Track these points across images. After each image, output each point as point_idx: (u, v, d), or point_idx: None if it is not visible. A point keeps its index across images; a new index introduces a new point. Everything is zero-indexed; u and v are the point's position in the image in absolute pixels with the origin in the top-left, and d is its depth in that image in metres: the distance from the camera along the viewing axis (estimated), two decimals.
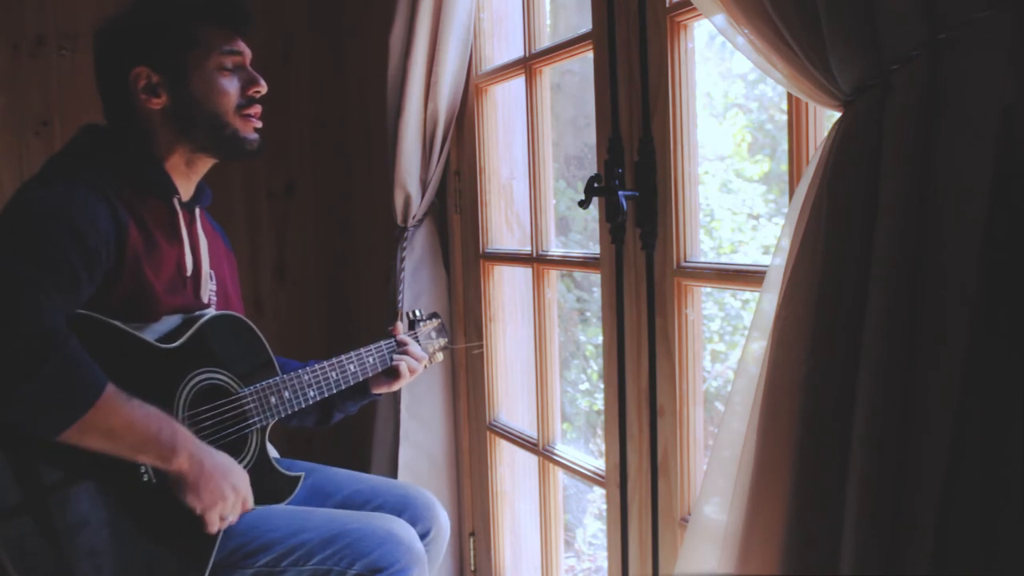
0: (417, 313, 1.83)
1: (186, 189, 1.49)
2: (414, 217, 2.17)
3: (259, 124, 1.49)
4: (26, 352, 1.15)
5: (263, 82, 1.49)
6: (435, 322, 1.87)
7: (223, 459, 1.35)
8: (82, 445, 1.21)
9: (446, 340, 1.90)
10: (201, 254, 1.50)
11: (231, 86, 1.45)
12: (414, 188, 2.14)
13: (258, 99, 1.48)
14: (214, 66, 1.44)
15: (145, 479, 1.30)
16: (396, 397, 2.18)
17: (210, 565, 1.35)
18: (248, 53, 1.49)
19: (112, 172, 1.38)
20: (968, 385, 0.77)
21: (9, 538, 1.18)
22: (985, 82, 0.77)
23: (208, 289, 1.51)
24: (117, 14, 1.47)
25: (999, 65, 0.77)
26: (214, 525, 1.33)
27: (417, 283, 2.19)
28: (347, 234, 2.88)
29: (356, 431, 2.61)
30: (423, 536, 1.61)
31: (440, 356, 1.88)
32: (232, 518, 1.36)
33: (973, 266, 0.77)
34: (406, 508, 1.62)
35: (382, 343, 1.69)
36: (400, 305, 2.16)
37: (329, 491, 1.64)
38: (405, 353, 1.70)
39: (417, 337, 1.78)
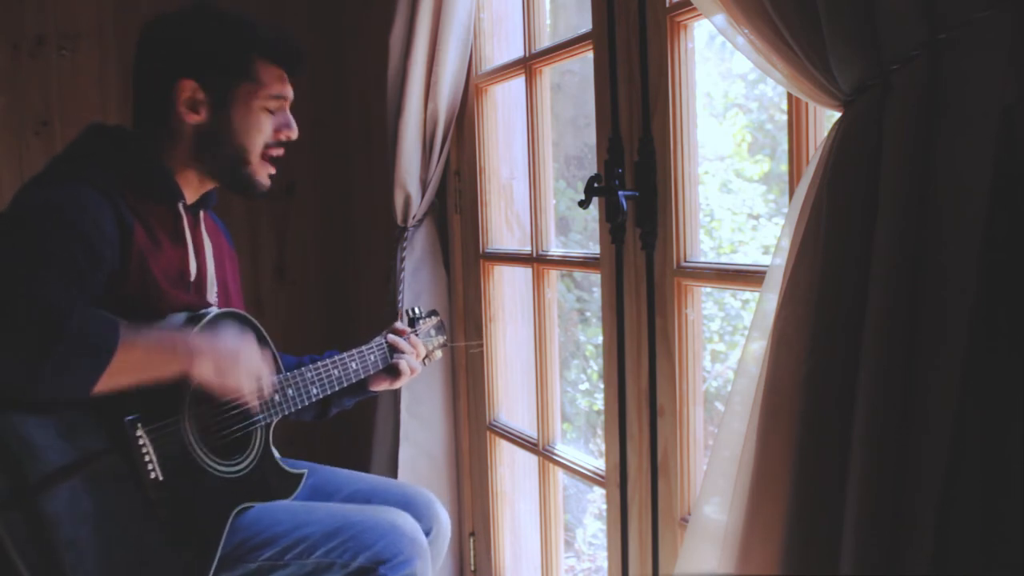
0: (416, 311, 1.84)
1: (193, 194, 1.50)
2: (414, 217, 2.17)
3: (273, 171, 1.51)
4: (37, 333, 1.16)
5: (295, 129, 1.50)
6: (434, 319, 1.87)
7: (234, 344, 1.37)
8: (113, 388, 1.23)
9: (445, 338, 1.90)
10: (205, 256, 1.50)
11: (267, 126, 1.47)
12: (414, 188, 2.14)
13: (284, 143, 1.50)
14: (260, 104, 1.45)
15: (152, 476, 1.30)
16: (396, 397, 2.18)
17: (216, 559, 1.35)
18: (291, 97, 1.51)
19: (117, 174, 1.38)
20: (968, 385, 0.77)
21: (12, 528, 1.18)
22: (985, 82, 0.77)
23: (212, 289, 1.51)
24: (176, 16, 1.46)
25: (999, 65, 0.77)
26: (252, 400, 1.38)
27: (417, 283, 2.20)
28: (347, 234, 2.88)
29: (356, 431, 2.61)
30: (425, 535, 1.61)
31: (439, 354, 1.88)
32: (265, 384, 1.40)
33: (973, 266, 0.77)
34: (407, 507, 1.63)
35: (383, 341, 1.69)
36: (400, 305, 2.16)
37: (330, 491, 1.64)
38: (403, 351, 1.70)
39: (417, 334, 1.78)
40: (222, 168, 1.47)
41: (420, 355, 1.74)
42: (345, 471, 1.72)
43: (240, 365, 1.36)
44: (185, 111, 1.43)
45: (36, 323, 1.17)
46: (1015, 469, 0.77)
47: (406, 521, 1.51)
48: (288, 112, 1.51)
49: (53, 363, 1.16)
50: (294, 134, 1.50)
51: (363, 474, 1.73)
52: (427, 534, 1.63)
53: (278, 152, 1.50)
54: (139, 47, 1.47)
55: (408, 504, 1.64)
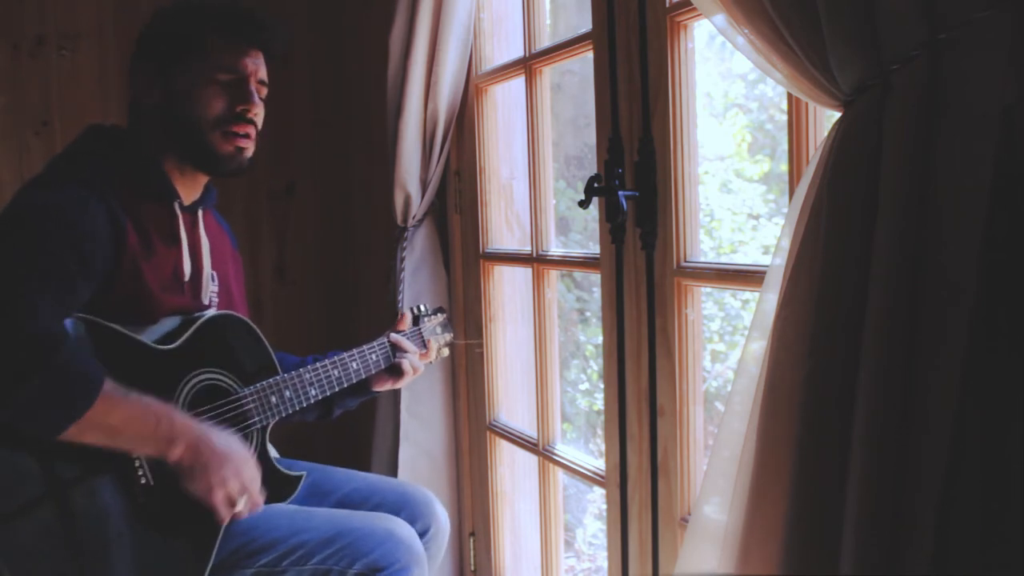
0: (422, 308, 1.82)
1: (188, 193, 1.49)
2: (414, 217, 2.17)
3: (244, 144, 1.47)
4: (23, 355, 1.14)
5: (257, 103, 1.47)
6: (440, 317, 1.86)
7: (225, 445, 1.32)
8: (81, 442, 1.21)
9: (452, 336, 1.90)
10: (202, 257, 1.50)
11: (216, 98, 1.44)
12: (414, 188, 2.14)
13: (248, 118, 1.46)
14: (206, 76, 1.44)
15: (143, 481, 1.30)
16: (396, 396, 2.18)
17: (210, 565, 1.35)
18: (255, 73, 1.48)
19: (113, 174, 1.38)
20: (968, 385, 0.77)
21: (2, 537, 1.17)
22: (985, 82, 0.77)
23: (209, 291, 1.50)
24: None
25: (999, 65, 0.77)
26: (221, 513, 1.31)
27: (417, 283, 2.19)
28: (347, 234, 2.88)
29: (356, 431, 2.61)
30: (422, 534, 1.61)
31: (446, 352, 1.88)
32: (241, 507, 1.33)
33: (973, 266, 0.77)
34: (404, 506, 1.62)
35: (385, 340, 1.68)
36: (400, 305, 2.16)
37: (327, 489, 1.64)
38: (404, 351, 1.70)
39: (422, 332, 1.77)
40: (182, 145, 1.45)
41: (424, 354, 1.74)
42: (343, 470, 1.71)
43: (229, 463, 1.31)
44: (143, 93, 1.45)
45: (24, 343, 1.15)
46: (1015, 469, 0.77)
47: (403, 529, 1.51)
48: (251, 89, 1.47)
49: (28, 390, 1.13)
50: (255, 109, 1.46)
51: (361, 473, 1.72)
52: (425, 532, 1.63)
53: (242, 129, 1.46)
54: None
55: (406, 503, 1.63)
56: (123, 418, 1.23)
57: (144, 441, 1.26)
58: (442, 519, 1.68)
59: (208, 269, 1.50)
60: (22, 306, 1.18)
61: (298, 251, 2.89)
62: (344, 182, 2.85)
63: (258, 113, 1.48)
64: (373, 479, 1.71)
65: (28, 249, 1.24)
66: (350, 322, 2.89)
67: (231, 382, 1.45)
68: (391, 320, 2.14)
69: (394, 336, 1.70)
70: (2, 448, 1.19)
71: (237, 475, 1.32)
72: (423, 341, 1.77)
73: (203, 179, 1.52)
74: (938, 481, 0.78)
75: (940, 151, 0.79)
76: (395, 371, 1.68)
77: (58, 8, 2.58)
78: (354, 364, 1.61)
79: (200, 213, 1.52)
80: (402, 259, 2.18)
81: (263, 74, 1.50)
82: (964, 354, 0.77)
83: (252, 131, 1.48)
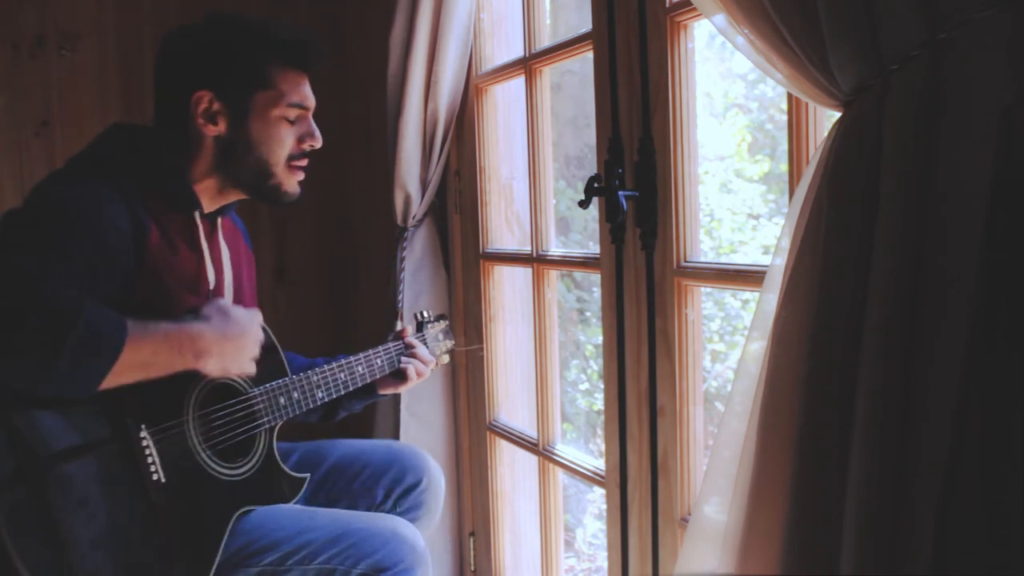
0: (425, 315, 1.84)
1: (213, 204, 1.49)
2: (414, 217, 2.17)
3: (302, 176, 1.49)
4: (48, 330, 1.16)
5: (319, 137, 1.48)
6: (443, 324, 1.87)
7: (237, 329, 1.37)
8: (119, 384, 1.23)
9: (453, 343, 1.91)
10: (223, 263, 1.50)
11: (289, 137, 1.44)
12: (414, 188, 2.14)
13: (308, 152, 1.48)
14: (279, 114, 1.43)
15: (155, 478, 1.30)
16: (396, 396, 2.18)
17: (216, 562, 1.35)
18: (313, 104, 1.48)
19: (135, 177, 1.38)
20: (968, 385, 0.77)
21: (13, 526, 1.17)
22: (985, 82, 0.77)
23: (228, 295, 1.51)
24: (192, 27, 1.45)
25: (999, 65, 0.77)
26: (248, 370, 1.40)
27: (417, 283, 2.20)
28: (347, 234, 2.88)
29: (356, 431, 2.61)
30: (415, 486, 1.64)
31: (447, 358, 1.89)
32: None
33: (973, 266, 0.77)
34: (395, 461, 1.64)
35: (390, 345, 1.70)
36: (400, 305, 2.16)
37: (317, 461, 1.66)
38: (413, 356, 1.71)
39: (425, 339, 1.78)
40: (246, 181, 1.45)
41: (429, 362, 1.75)
42: (331, 440, 1.73)
43: (239, 356, 1.38)
44: (203, 122, 1.41)
45: (47, 322, 1.16)
46: (1015, 469, 0.77)
47: (407, 529, 1.51)
48: (311, 120, 1.48)
49: (63, 362, 1.16)
50: (318, 143, 1.47)
51: (349, 440, 1.74)
52: (418, 484, 1.65)
53: (303, 162, 1.48)
54: (158, 59, 1.46)
55: (395, 459, 1.66)
56: (151, 352, 1.26)
57: (174, 365, 1.30)
58: (434, 470, 1.69)
59: (229, 277, 1.51)
60: (39, 288, 1.19)
61: (298, 251, 2.89)
62: (344, 182, 2.85)
63: (318, 145, 1.49)
64: (360, 443, 1.74)
65: (45, 244, 1.24)
66: (350, 322, 2.89)
67: (242, 382, 1.46)
68: (391, 320, 2.14)
69: (410, 340, 1.71)
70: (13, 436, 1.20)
71: (256, 340, 1.41)
72: (427, 348, 1.78)
73: (238, 196, 1.51)
74: (938, 481, 0.78)
75: (940, 151, 0.79)
76: (400, 376, 1.70)
77: (58, 8, 2.58)
78: (360, 368, 1.62)
79: (219, 220, 1.52)
80: (402, 259, 2.18)
81: (314, 102, 1.50)
82: (964, 354, 0.77)
83: (307, 161, 1.49)
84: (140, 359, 1.25)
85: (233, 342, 1.36)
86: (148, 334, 1.26)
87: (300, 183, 1.49)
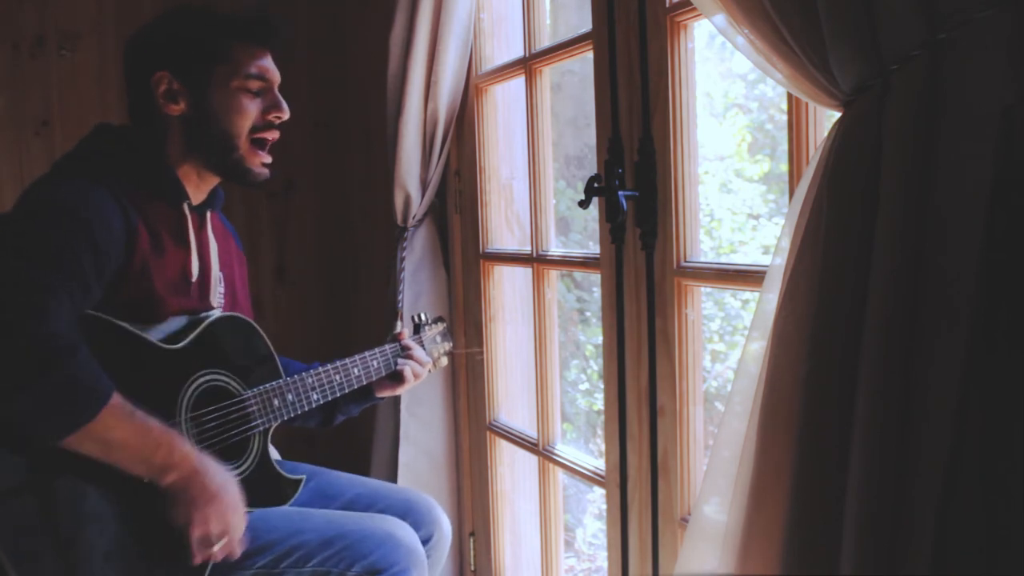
0: (423, 317, 1.83)
1: (197, 194, 1.49)
2: (414, 217, 2.17)
3: (268, 159, 1.49)
4: (32, 356, 1.13)
5: (286, 109, 1.48)
6: (440, 326, 1.87)
7: (218, 485, 1.29)
8: (79, 451, 1.19)
9: (451, 345, 1.91)
10: (210, 258, 1.49)
11: (251, 107, 1.45)
12: (414, 188, 2.14)
13: (276, 125, 1.48)
14: (237, 85, 1.44)
15: (147, 479, 1.30)
16: (396, 397, 2.18)
17: (210, 565, 1.35)
18: (276, 77, 1.49)
19: (123, 174, 1.38)
20: (968, 385, 0.77)
21: (4, 521, 1.17)
22: (985, 82, 0.77)
23: (217, 292, 1.50)
24: (152, 20, 1.47)
25: (999, 65, 0.77)
26: (192, 550, 1.28)
27: (417, 283, 2.20)
28: (347, 234, 2.88)
29: (356, 431, 2.61)
30: (425, 541, 1.61)
31: (445, 360, 1.88)
32: (216, 551, 1.30)
33: (973, 266, 0.77)
34: (408, 512, 1.62)
35: (387, 347, 1.69)
36: (400, 306, 2.16)
37: (332, 495, 1.64)
38: (409, 358, 1.70)
39: (422, 341, 1.78)
40: (212, 157, 1.45)
41: (426, 364, 1.74)
42: (347, 475, 1.71)
43: (216, 504, 1.28)
44: (165, 103, 1.42)
45: (35, 346, 1.13)
46: (1015, 469, 0.77)
47: (403, 530, 1.50)
48: (276, 92, 1.48)
49: (34, 393, 1.12)
50: (285, 115, 1.48)
51: (365, 478, 1.72)
52: (428, 540, 1.62)
53: (271, 135, 1.48)
54: (123, 59, 1.48)
55: (409, 509, 1.63)
56: (124, 436, 1.21)
57: (140, 463, 1.24)
58: (445, 527, 1.68)
59: (216, 270, 1.50)
60: (32, 306, 1.16)
61: (298, 251, 2.89)
62: (344, 182, 2.85)
63: (285, 116, 1.49)
64: (377, 485, 1.71)
65: (39, 250, 1.22)
66: (350, 322, 2.89)
67: (235, 384, 1.45)
68: (391, 320, 2.14)
69: (407, 341, 1.70)
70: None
71: (221, 518, 1.29)
72: (424, 350, 1.78)
73: (215, 181, 1.52)
74: (938, 481, 0.78)
75: (940, 151, 0.79)
76: (397, 377, 1.69)
77: (58, 8, 2.58)
78: (356, 370, 1.61)
79: (208, 215, 1.52)
80: (402, 259, 2.18)
81: (279, 75, 1.51)
82: (964, 354, 0.77)
83: (276, 135, 1.49)
84: (109, 438, 1.19)
85: (208, 489, 1.28)
86: (131, 417, 1.21)
87: (268, 167, 1.49)
